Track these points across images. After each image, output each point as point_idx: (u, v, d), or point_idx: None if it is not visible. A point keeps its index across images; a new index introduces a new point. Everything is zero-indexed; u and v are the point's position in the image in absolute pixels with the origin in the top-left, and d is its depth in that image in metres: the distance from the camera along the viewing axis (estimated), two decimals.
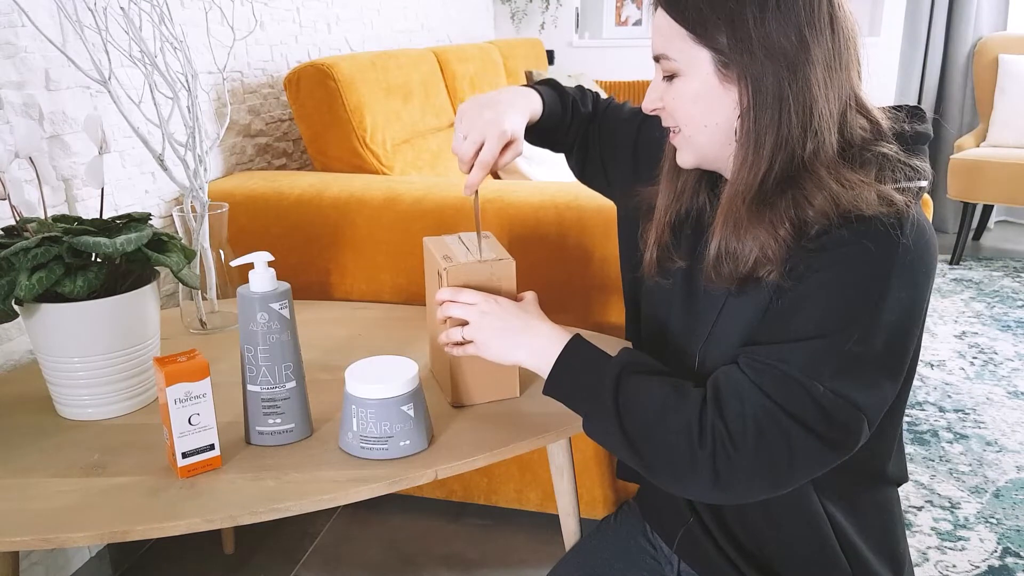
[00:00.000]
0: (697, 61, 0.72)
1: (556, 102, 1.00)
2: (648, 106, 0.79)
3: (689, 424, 0.70)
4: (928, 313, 2.75)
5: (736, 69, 0.70)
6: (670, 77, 0.75)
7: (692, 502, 0.88)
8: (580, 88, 1.06)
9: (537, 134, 1.00)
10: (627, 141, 0.99)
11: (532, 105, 0.95)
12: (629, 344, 1.02)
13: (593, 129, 1.03)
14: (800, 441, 0.68)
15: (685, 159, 0.80)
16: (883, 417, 0.79)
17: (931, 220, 1.19)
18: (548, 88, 1.01)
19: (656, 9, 0.74)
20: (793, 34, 0.68)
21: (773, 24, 0.68)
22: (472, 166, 0.87)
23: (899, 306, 0.68)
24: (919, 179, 0.72)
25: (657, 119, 0.81)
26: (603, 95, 1.09)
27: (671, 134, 0.80)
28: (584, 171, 1.07)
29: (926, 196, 1.15)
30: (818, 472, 0.71)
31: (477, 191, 0.89)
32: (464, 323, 0.87)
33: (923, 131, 0.76)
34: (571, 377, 0.80)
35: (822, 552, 0.82)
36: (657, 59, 0.76)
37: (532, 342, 0.82)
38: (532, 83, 1.00)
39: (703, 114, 0.74)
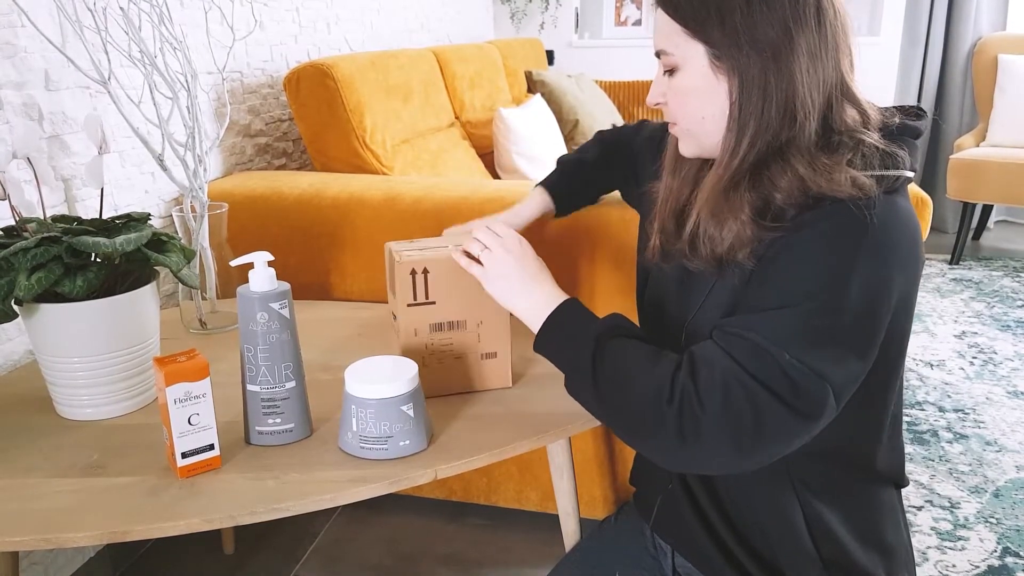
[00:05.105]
0: (693, 55, 0.76)
1: (560, 178, 1.20)
2: (652, 100, 0.82)
3: (660, 384, 0.72)
4: (928, 313, 2.75)
5: (727, 61, 0.73)
6: (670, 72, 0.79)
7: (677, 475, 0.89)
8: (599, 136, 1.21)
9: (571, 201, 1.21)
10: (649, 157, 1.07)
11: (530, 204, 1.18)
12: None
13: (618, 163, 1.19)
14: (765, 406, 0.69)
15: (686, 148, 0.83)
16: (865, 406, 0.80)
17: (931, 220, 1.19)
18: (556, 172, 1.21)
19: (656, 7, 0.78)
20: (778, 25, 0.71)
21: (759, 16, 0.71)
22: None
23: (866, 285, 0.70)
24: (898, 168, 0.73)
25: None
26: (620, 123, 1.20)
27: (672, 125, 0.83)
28: (624, 196, 1.24)
29: (925, 195, 1.15)
30: (787, 444, 0.71)
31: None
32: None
33: (910, 124, 0.78)
34: (556, 335, 0.83)
35: (791, 535, 0.83)
36: (658, 55, 0.79)
37: (532, 295, 0.85)
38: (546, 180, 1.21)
39: (700, 106, 0.77)
